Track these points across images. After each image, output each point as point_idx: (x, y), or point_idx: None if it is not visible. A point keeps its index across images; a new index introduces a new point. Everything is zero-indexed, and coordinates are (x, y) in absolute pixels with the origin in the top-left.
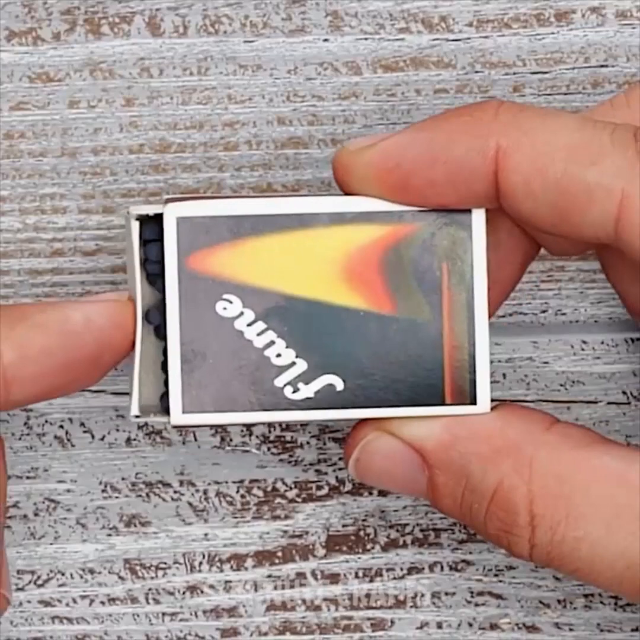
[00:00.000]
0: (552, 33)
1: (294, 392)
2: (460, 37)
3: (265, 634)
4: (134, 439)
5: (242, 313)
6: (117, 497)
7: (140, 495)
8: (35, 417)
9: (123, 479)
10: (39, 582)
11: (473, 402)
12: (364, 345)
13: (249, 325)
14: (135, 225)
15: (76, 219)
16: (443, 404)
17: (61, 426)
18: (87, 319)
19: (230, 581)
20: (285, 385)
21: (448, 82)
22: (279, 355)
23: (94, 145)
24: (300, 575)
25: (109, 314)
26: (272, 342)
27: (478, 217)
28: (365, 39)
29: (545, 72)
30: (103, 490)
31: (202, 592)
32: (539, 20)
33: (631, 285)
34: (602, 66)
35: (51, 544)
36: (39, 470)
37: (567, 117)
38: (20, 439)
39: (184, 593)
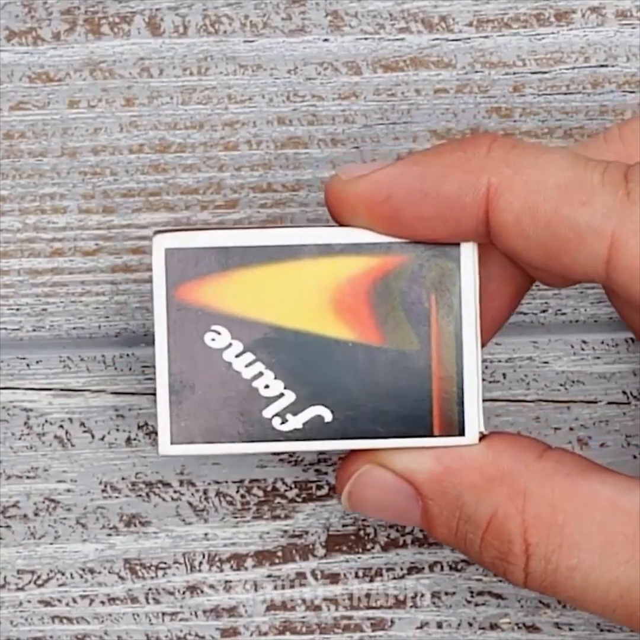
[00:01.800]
0: (552, 33)
1: (282, 423)
2: (460, 37)
3: (265, 634)
4: (134, 439)
5: (230, 344)
6: (117, 497)
7: (140, 495)
8: (35, 417)
9: (123, 478)
10: (39, 582)
11: (461, 433)
12: (352, 376)
13: (237, 356)
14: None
15: (76, 219)
16: (431, 435)
17: (61, 426)
18: None
19: (230, 581)
20: (273, 417)
21: (448, 82)
22: (267, 386)
23: (94, 145)
24: (300, 575)
25: None
26: (261, 374)
27: (467, 250)
28: (365, 39)
29: (545, 72)
30: (103, 490)
31: (202, 592)
32: (539, 20)
33: (634, 313)
34: (602, 66)
35: (51, 543)
36: (39, 470)
37: (559, 154)
38: (20, 439)
39: (184, 593)
